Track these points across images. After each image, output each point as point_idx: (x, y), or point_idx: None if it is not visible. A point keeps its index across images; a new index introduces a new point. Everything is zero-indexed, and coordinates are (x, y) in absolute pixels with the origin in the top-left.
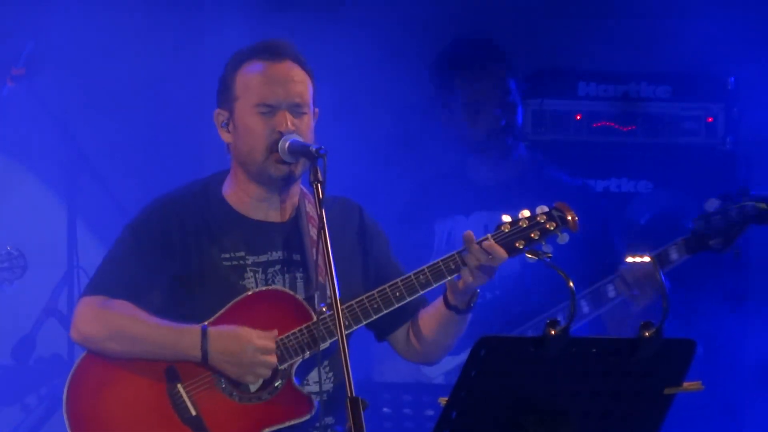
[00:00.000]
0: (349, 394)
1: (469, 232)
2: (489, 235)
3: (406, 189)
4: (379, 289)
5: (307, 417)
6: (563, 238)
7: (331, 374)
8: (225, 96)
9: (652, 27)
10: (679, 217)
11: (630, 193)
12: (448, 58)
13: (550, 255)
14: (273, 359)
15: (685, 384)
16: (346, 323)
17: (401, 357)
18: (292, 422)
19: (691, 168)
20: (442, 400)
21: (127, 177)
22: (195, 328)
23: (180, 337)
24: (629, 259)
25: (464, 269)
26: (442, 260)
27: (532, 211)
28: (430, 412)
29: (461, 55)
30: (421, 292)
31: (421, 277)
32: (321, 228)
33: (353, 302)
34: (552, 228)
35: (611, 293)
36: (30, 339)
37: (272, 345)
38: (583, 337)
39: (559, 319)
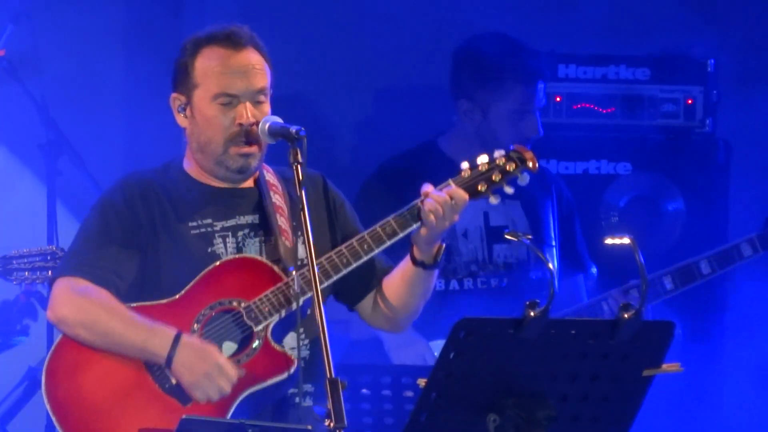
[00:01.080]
0: (328, 375)
1: (428, 184)
2: (450, 180)
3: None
4: (347, 243)
5: (287, 374)
6: (523, 179)
7: (306, 341)
8: (182, 81)
9: (632, 9)
10: (658, 199)
11: (609, 175)
12: (495, 60)
13: (530, 237)
14: (227, 387)
15: (664, 365)
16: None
17: (369, 324)
18: (274, 380)
19: (670, 150)
20: (421, 382)
21: (107, 159)
22: (169, 332)
23: (151, 338)
24: (609, 240)
25: (426, 215)
26: (406, 209)
27: (491, 155)
28: (410, 394)
29: (514, 61)
30: (388, 242)
31: (387, 227)
32: (301, 209)
33: (322, 258)
34: (512, 169)
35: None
36: (9, 321)
37: (233, 376)
38: (563, 319)
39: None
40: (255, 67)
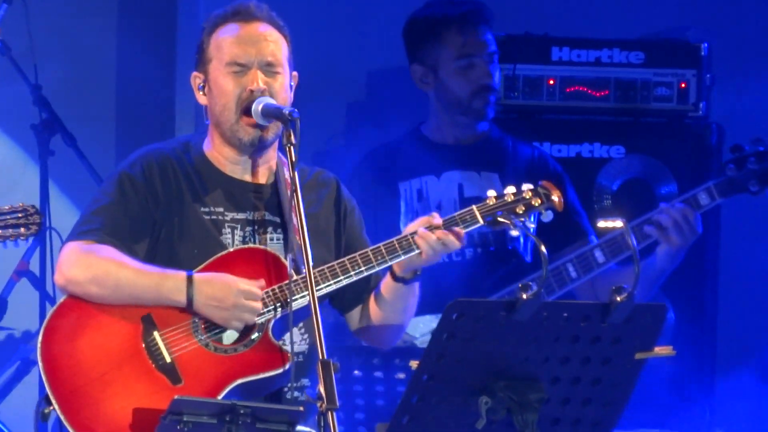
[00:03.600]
0: (321, 357)
1: (429, 218)
2: (473, 206)
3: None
4: (339, 260)
5: (280, 371)
6: (547, 216)
7: (306, 336)
8: (200, 59)
9: None
10: (651, 182)
11: (602, 158)
12: (434, 15)
13: (522, 219)
14: (258, 305)
15: (656, 349)
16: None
17: (357, 337)
18: (265, 375)
19: (663, 134)
20: (413, 364)
21: (100, 140)
22: (180, 274)
23: (164, 282)
24: (601, 224)
25: (416, 251)
26: (396, 239)
27: (518, 187)
28: (401, 376)
29: (449, 11)
30: (376, 268)
31: (377, 254)
32: (294, 190)
33: (324, 267)
34: (537, 204)
35: (600, 258)
36: (1, 301)
37: (258, 291)
38: (555, 302)
39: (531, 283)
40: (267, 38)
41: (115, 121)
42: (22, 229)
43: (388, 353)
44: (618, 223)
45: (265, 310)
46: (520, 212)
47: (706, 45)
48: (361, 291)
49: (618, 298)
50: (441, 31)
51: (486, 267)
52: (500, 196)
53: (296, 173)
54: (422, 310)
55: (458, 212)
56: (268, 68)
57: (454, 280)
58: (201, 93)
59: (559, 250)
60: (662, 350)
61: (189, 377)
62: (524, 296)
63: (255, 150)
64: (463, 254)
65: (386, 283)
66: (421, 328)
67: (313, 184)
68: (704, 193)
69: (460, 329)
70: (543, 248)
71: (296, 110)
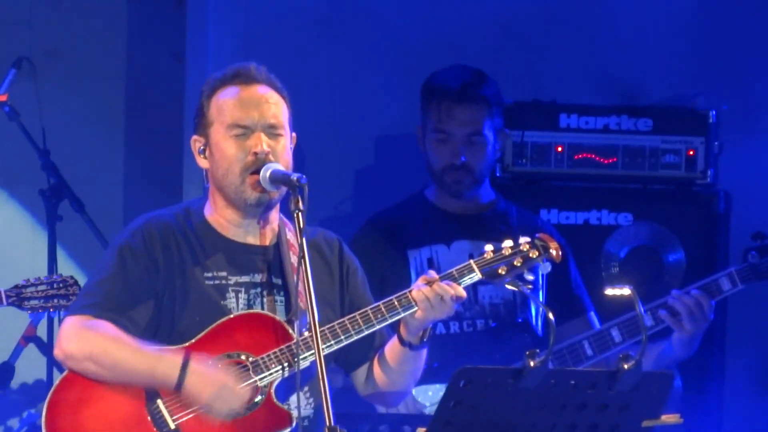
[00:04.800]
0: (327, 423)
1: (425, 276)
2: (471, 261)
3: (370, 216)
4: (339, 320)
5: (288, 430)
6: (545, 268)
7: (311, 399)
8: (200, 122)
9: (634, 60)
10: (658, 250)
11: (610, 225)
12: (430, 81)
13: (530, 286)
14: (237, 405)
15: (663, 416)
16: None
17: (362, 395)
18: None
19: (671, 201)
20: (421, 431)
21: (107, 203)
22: (176, 358)
23: (157, 364)
24: (609, 291)
25: (415, 308)
26: (395, 297)
27: (515, 240)
28: None
29: (443, 81)
30: (377, 326)
31: (377, 313)
32: (302, 256)
33: (325, 328)
34: (535, 256)
35: (617, 338)
36: (9, 366)
37: (243, 392)
38: (562, 369)
39: (538, 350)
40: (268, 100)
41: (123, 186)
42: (63, 301)
43: (396, 420)
44: (626, 291)
45: (269, 372)
46: (518, 265)
47: (714, 112)
48: (366, 349)
49: (625, 366)
50: (430, 99)
51: (497, 339)
52: (498, 249)
53: (304, 239)
54: (433, 378)
55: (456, 267)
56: (271, 130)
57: (464, 351)
58: (202, 156)
59: (558, 324)
60: (669, 418)
61: None
62: (532, 363)
63: (261, 211)
64: (475, 325)
65: (393, 348)
66: (431, 397)
67: (316, 244)
68: (726, 279)
69: (467, 396)
70: (551, 315)
71: (304, 176)
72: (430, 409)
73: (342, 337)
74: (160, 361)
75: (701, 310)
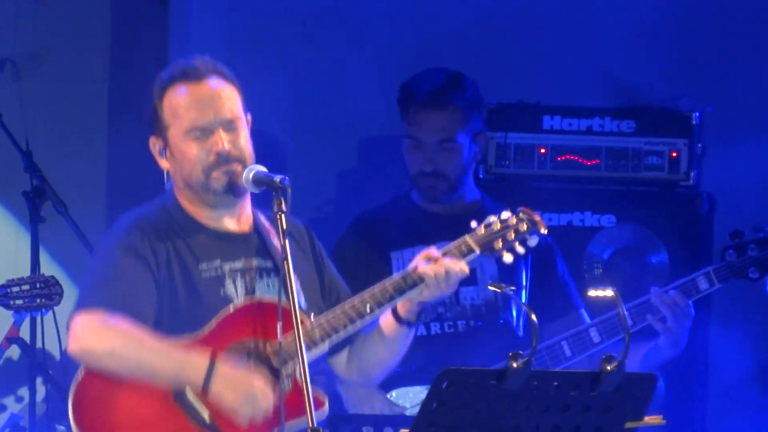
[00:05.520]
0: (310, 424)
1: (427, 251)
2: (466, 236)
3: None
4: (348, 303)
5: (323, 409)
6: (532, 241)
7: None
8: (156, 124)
9: (617, 62)
10: (642, 251)
11: (593, 227)
12: (406, 86)
13: (513, 288)
14: (262, 410)
15: (646, 418)
16: (329, 334)
17: (342, 376)
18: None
19: (654, 203)
20: None
21: (90, 205)
22: (202, 361)
23: (183, 365)
24: (592, 293)
25: (421, 285)
26: (400, 275)
27: (498, 216)
28: None
29: (416, 86)
30: (387, 305)
31: (384, 292)
32: (284, 258)
33: (322, 318)
34: (524, 229)
35: (595, 338)
36: None
37: (270, 396)
38: (545, 371)
39: (521, 352)
40: (221, 95)
41: (105, 188)
42: (46, 300)
43: (378, 422)
44: (609, 292)
45: (292, 360)
46: (511, 238)
47: (697, 114)
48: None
49: (608, 367)
50: (402, 104)
51: (478, 340)
52: (488, 225)
53: (270, 224)
54: (413, 380)
55: (453, 244)
56: (230, 125)
57: (445, 351)
58: (162, 158)
59: (548, 322)
60: (652, 419)
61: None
62: (514, 365)
63: (231, 199)
64: (456, 326)
65: (388, 325)
66: (411, 399)
67: (288, 233)
68: (703, 278)
69: (450, 398)
70: (533, 317)
71: (287, 178)
72: (410, 411)
73: (357, 321)
74: (186, 363)
75: (680, 309)
